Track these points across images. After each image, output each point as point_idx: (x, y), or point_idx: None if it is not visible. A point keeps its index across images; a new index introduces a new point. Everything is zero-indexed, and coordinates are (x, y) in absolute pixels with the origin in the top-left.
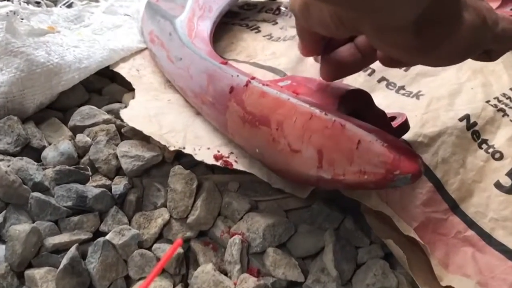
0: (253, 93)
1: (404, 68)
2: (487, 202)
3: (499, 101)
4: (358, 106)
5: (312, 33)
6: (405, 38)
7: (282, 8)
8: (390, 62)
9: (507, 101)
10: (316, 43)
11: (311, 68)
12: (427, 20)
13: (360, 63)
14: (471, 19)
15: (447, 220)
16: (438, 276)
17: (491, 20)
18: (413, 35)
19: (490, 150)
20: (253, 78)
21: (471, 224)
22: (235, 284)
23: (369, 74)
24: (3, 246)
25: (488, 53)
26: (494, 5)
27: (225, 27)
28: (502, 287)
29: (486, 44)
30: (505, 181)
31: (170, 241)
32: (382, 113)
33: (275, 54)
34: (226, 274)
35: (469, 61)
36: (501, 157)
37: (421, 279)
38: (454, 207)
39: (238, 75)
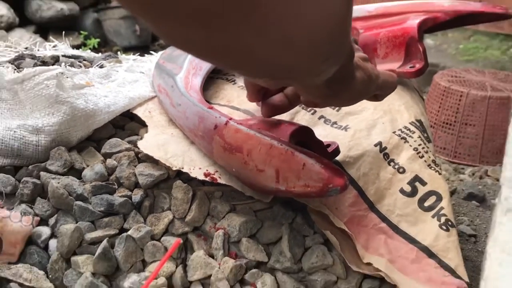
0: (230, 129)
1: (336, 109)
2: (394, 203)
3: (402, 132)
4: (304, 138)
5: (255, 85)
6: (321, 91)
7: None
8: (310, 104)
9: (407, 132)
10: (257, 93)
11: None
12: (334, 80)
13: (287, 106)
14: (361, 76)
15: (367, 216)
16: (361, 255)
17: (374, 76)
18: (325, 89)
19: (396, 167)
20: (230, 118)
21: (383, 218)
22: (219, 264)
23: (312, 114)
24: (55, 240)
25: (375, 96)
26: (396, 64)
27: (211, 81)
28: (405, 263)
29: (372, 91)
30: (407, 188)
31: (173, 235)
32: (321, 142)
33: (246, 100)
34: (213, 257)
35: (381, 104)
36: (404, 171)
37: (349, 258)
38: (372, 207)
39: (220, 117)
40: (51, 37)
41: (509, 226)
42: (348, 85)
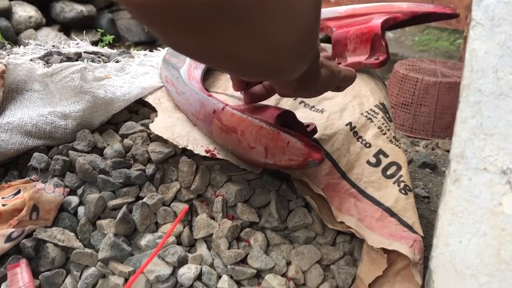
0: (227, 114)
1: None
2: (362, 172)
3: (368, 113)
4: (287, 120)
5: (238, 78)
6: (292, 85)
7: None
8: (284, 95)
9: (373, 113)
10: (241, 83)
11: None
12: (303, 77)
13: (265, 95)
14: (325, 73)
15: (340, 183)
16: (335, 215)
17: (336, 71)
18: (296, 84)
19: (364, 142)
20: (226, 104)
21: (353, 185)
22: (219, 225)
23: (294, 99)
24: (83, 207)
25: (338, 88)
26: (363, 57)
27: (209, 72)
28: (371, 221)
29: (335, 84)
30: (372, 160)
31: (181, 201)
32: (301, 123)
33: None
34: (214, 219)
35: (351, 90)
36: (370, 146)
37: (326, 217)
38: (344, 176)
39: (218, 103)
40: (73, 35)
41: (456, 193)
42: (315, 80)
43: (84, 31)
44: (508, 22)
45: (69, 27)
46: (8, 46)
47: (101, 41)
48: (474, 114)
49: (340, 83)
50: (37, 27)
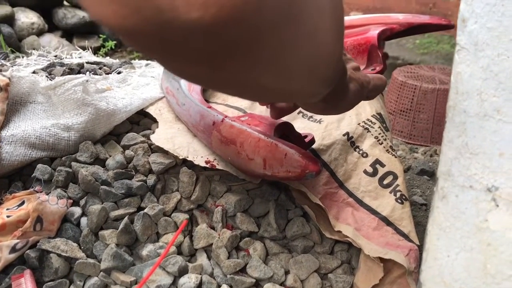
0: (226, 125)
1: None
2: (359, 182)
3: (365, 123)
4: (285, 131)
5: None
6: (318, 106)
7: None
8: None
9: (370, 123)
10: None
11: (257, 108)
12: (329, 96)
13: (292, 109)
14: (354, 87)
15: (337, 193)
16: (332, 225)
17: (366, 82)
18: (322, 104)
19: (361, 152)
20: (226, 116)
21: (350, 194)
22: (219, 235)
23: None
24: (85, 218)
25: (368, 97)
26: (361, 67)
27: None
28: (368, 230)
29: (365, 96)
30: (369, 169)
31: (182, 211)
32: (299, 134)
33: (238, 98)
34: (214, 229)
35: None
36: (367, 156)
37: (323, 227)
38: (341, 185)
39: (217, 115)
40: (75, 41)
41: (444, 209)
42: (343, 97)
43: (86, 40)
44: (491, 47)
45: (71, 33)
46: (12, 56)
47: (103, 46)
48: (459, 134)
49: (369, 93)
50: (40, 33)
